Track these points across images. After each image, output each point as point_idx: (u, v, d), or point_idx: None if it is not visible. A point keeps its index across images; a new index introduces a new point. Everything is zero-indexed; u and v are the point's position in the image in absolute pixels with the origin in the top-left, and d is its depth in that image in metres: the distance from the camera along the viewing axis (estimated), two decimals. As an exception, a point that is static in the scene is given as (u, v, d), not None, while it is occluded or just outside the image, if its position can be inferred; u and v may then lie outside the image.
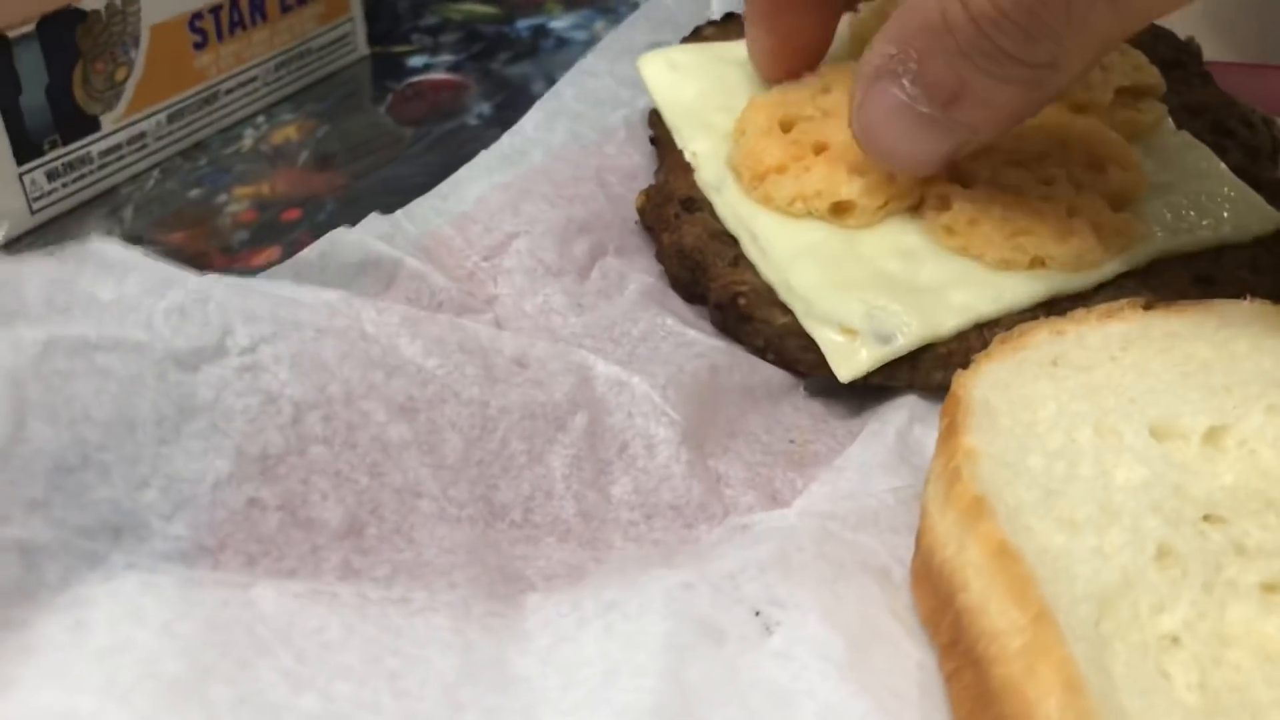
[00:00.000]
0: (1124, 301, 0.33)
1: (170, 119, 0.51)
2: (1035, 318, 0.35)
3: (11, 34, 0.44)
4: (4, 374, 0.26)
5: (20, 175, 0.46)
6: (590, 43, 0.60)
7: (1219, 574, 0.27)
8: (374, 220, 0.38)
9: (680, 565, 0.28)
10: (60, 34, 0.45)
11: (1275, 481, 0.29)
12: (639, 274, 0.39)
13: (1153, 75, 0.41)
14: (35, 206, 0.46)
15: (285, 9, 0.54)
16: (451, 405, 0.31)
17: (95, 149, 0.48)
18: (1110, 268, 0.36)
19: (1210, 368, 0.31)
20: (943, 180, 0.38)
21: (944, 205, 0.37)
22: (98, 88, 0.48)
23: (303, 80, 0.56)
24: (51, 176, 0.47)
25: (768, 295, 0.36)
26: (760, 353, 0.36)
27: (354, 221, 0.46)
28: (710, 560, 0.28)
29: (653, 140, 0.43)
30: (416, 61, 0.59)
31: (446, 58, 0.59)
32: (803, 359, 0.35)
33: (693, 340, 0.36)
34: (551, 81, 0.56)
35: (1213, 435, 0.30)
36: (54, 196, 0.47)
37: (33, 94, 0.45)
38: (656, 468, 0.32)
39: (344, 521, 0.28)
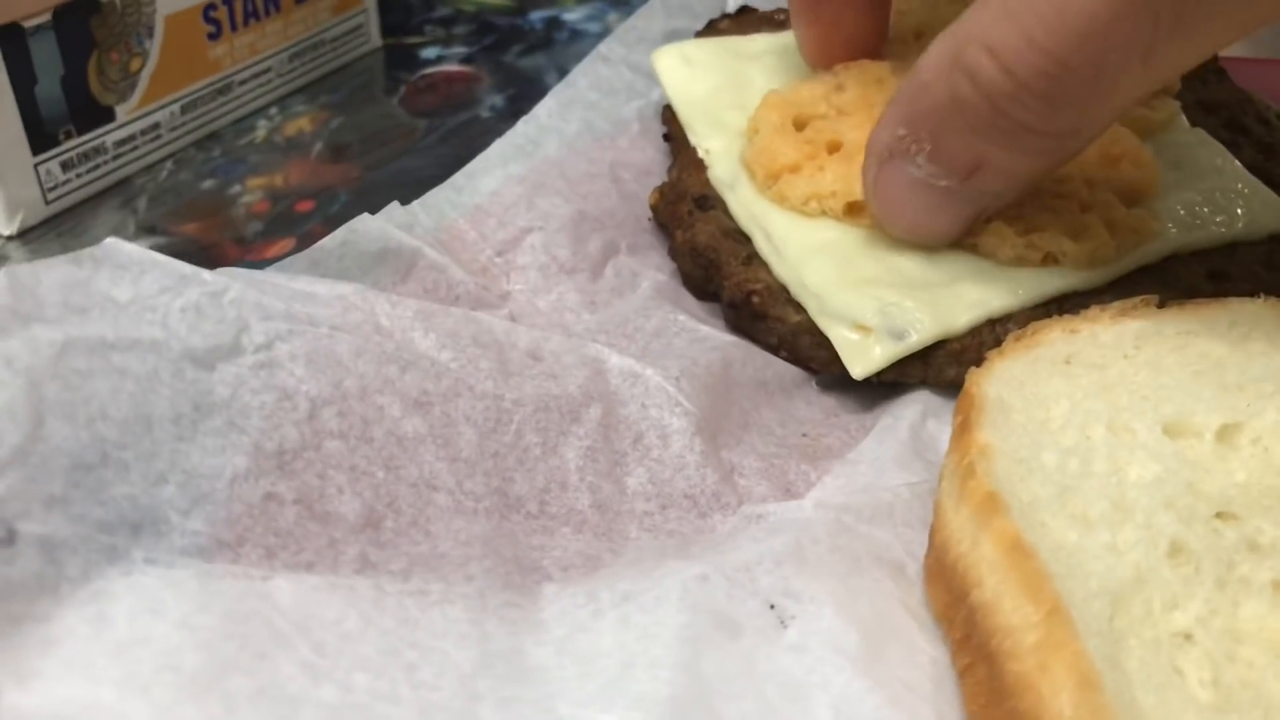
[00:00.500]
0: (1138, 299, 0.33)
1: (184, 109, 0.51)
2: (1049, 314, 0.35)
3: (27, 24, 0.44)
4: (23, 374, 0.26)
5: (35, 165, 0.46)
6: (603, 35, 0.60)
7: (1232, 571, 0.27)
8: (394, 209, 0.38)
9: (696, 556, 0.28)
10: (75, 24, 0.45)
11: (1288, 479, 0.29)
12: (652, 271, 0.39)
13: None
14: (50, 196, 0.47)
15: (299, 0, 0.54)
16: (466, 398, 0.31)
17: (110, 139, 0.48)
18: (1123, 264, 0.36)
19: (1224, 365, 0.32)
20: (956, 177, 0.38)
21: (957, 202, 0.37)
22: (112, 78, 0.48)
23: (316, 71, 0.56)
24: (66, 167, 0.47)
25: (781, 293, 0.36)
26: (774, 349, 0.36)
27: (367, 211, 0.47)
28: (725, 552, 0.28)
29: (666, 136, 0.43)
30: (429, 53, 0.59)
31: (459, 49, 0.59)
32: (816, 356, 0.36)
33: (706, 335, 0.36)
34: (564, 74, 0.56)
35: (1226, 433, 0.30)
36: (68, 187, 0.47)
37: (48, 84, 0.45)
38: (671, 458, 0.32)
39: (361, 515, 0.28)
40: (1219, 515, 0.28)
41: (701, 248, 0.38)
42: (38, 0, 0.44)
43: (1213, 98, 0.42)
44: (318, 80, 0.56)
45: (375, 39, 0.59)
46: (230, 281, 0.30)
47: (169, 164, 0.50)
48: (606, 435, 0.32)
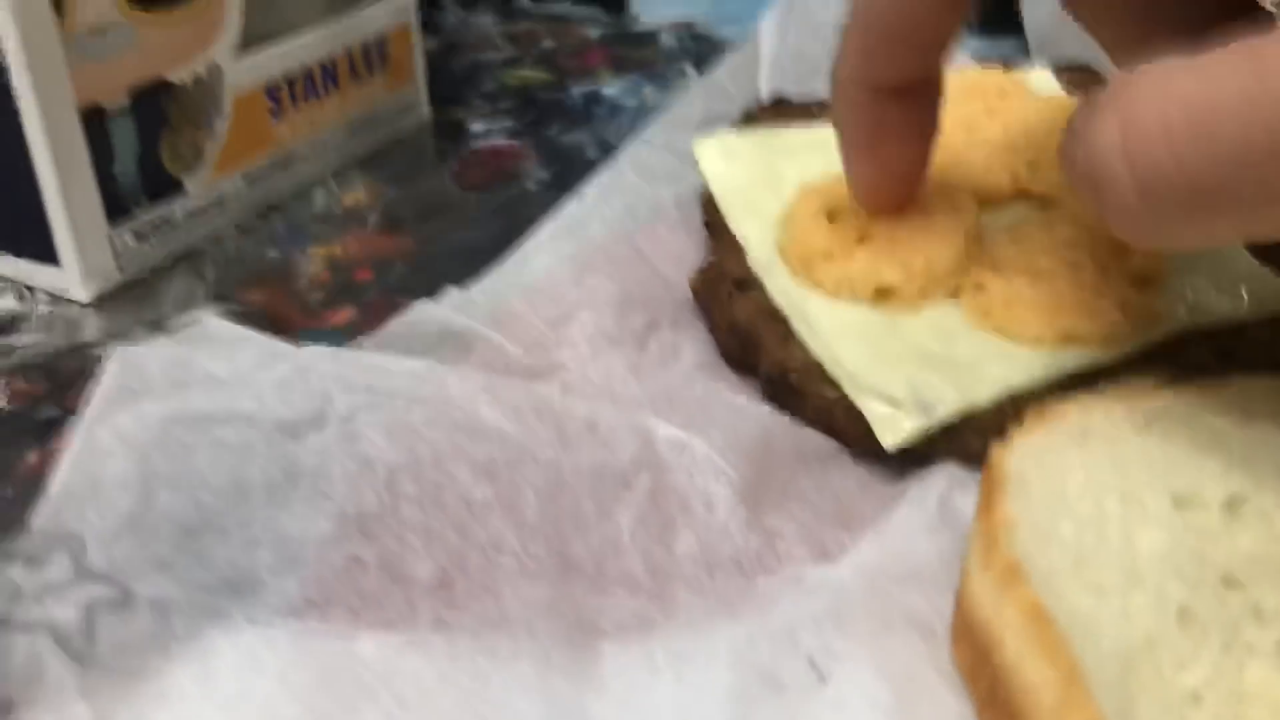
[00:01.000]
0: (1150, 379, 0.36)
1: (249, 182, 0.54)
2: (1066, 391, 0.37)
3: (108, 106, 0.47)
4: (134, 448, 0.29)
5: (110, 235, 0.49)
6: (640, 109, 0.63)
7: (1237, 636, 0.29)
8: (450, 294, 0.41)
9: (742, 618, 0.31)
10: (151, 105, 0.49)
11: (1290, 550, 0.32)
12: (693, 346, 0.42)
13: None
14: (123, 264, 0.50)
15: (355, 77, 0.58)
16: (529, 466, 0.33)
17: (179, 210, 0.51)
18: (1135, 343, 0.39)
19: (1230, 442, 0.34)
20: (979, 268, 0.40)
21: (980, 290, 0.40)
22: (183, 154, 0.51)
23: (370, 144, 0.60)
24: (139, 237, 0.50)
25: (816, 371, 0.39)
26: (810, 423, 0.39)
27: (423, 281, 0.49)
28: (769, 613, 0.31)
29: (706, 224, 0.46)
30: (477, 127, 0.62)
31: (505, 124, 0.62)
32: (850, 430, 0.38)
33: (745, 407, 0.39)
34: (604, 147, 0.59)
35: (1231, 504, 0.32)
36: (141, 256, 0.50)
37: (125, 161, 0.48)
38: (716, 523, 0.34)
39: (435, 576, 0.31)
40: (1225, 583, 0.31)
41: (741, 325, 0.41)
42: (117, 83, 0.47)
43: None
44: (372, 153, 0.59)
45: (425, 113, 0.62)
46: (316, 357, 0.33)
47: (234, 233, 0.53)
48: (656, 502, 0.34)
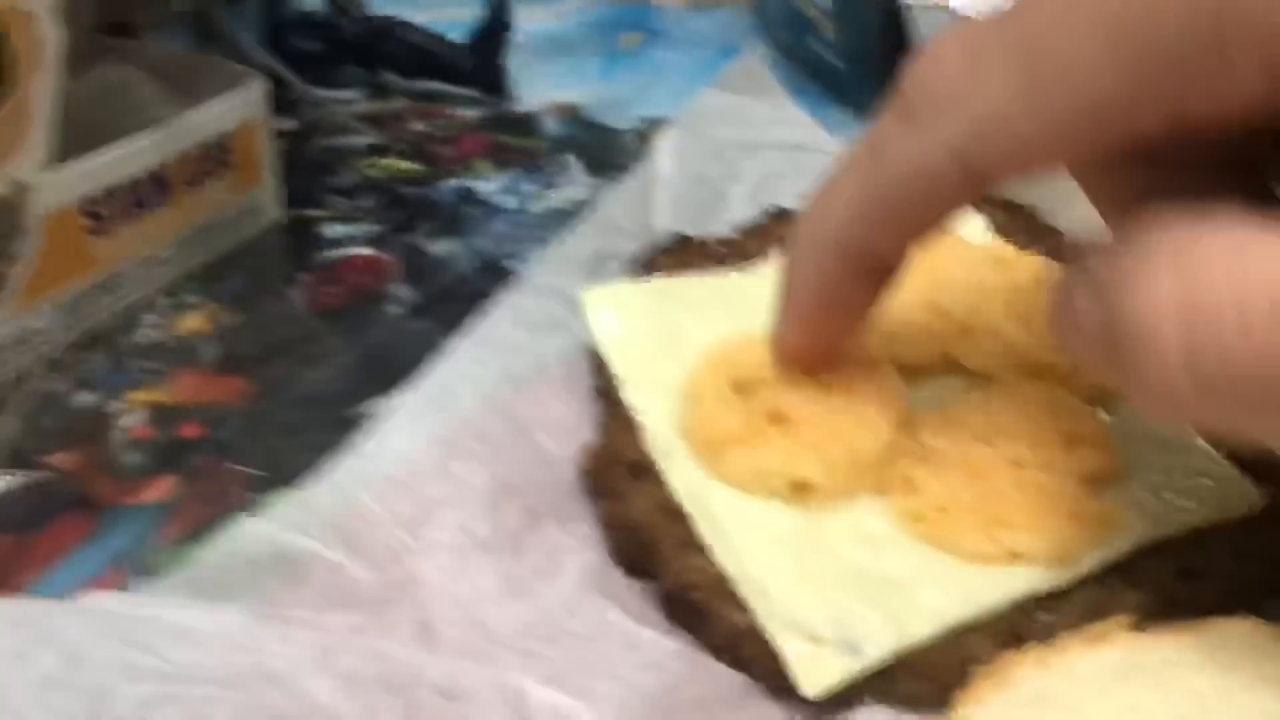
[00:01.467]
0: (1112, 621, 0.31)
1: (64, 310, 0.46)
2: (1011, 623, 0.32)
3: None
4: None
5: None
6: (519, 210, 0.57)
7: None
8: (283, 504, 0.34)
9: None
10: (-63, 233, 0.41)
11: None
12: (579, 547, 0.36)
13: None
14: (-96, 416, 0.42)
15: (191, 184, 0.50)
16: (370, 765, 0.27)
17: (-25, 349, 0.44)
18: (1089, 561, 0.33)
19: (1210, 709, 0.29)
20: (908, 459, 0.35)
21: (910, 487, 0.35)
22: (-21, 284, 0.43)
23: (210, 255, 0.52)
24: (-77, 381, 0.42)
25: (724, 588, 0.33)
26: (717, 653, 0.33)
27: (259, 443, 0.42)
28: None
29: (598, 390, 0.40)
30: (334, 232, 0.55)
31: (366, 228, 0.55)
32: (763, 665, 0.32)
33: (641, 641, 0.33)
34: (481, 262, 0.53)
35: (1217, 795, 0.27)
36: (-75, 407, 0.42)
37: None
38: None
39: None
40: None
41: (636, 525, 0.35)
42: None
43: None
44: (212, 264, 0.52)
45: (275, 214, 0.55)
46: (92, 635, 0.26)
47: (44, 371, 0.46)
48: (531, 794, 0.28)
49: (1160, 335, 0.24)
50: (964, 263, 0.40)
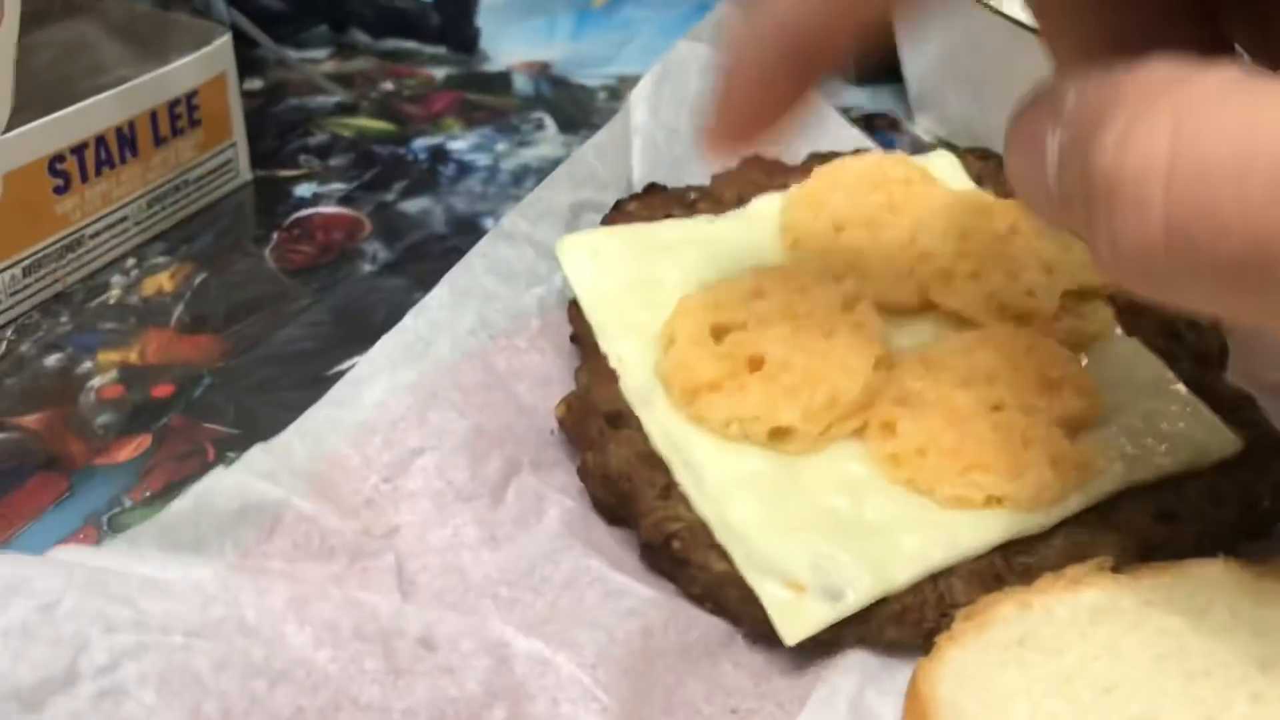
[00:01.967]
0: (1091, 564, 0.31)
1: (27, 271, 0.46)
2: (992, 564, 0.32)
3: None
4: None
5: None
6: (492, 168, 0.56)
7: None
8: (255, 454, 0.34)
9: None
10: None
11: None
12: (558, 495, 0.35)
13: (1099, 274, 0.38)
14: None
15: (160, 141, 0.50)
16: (348, 712, 0.27)
17: (-62, 310, 0.43)
18: (1068, 505, 0.33)
19: (1187, 648, 0.29)
20: (887, 402, 0.35)
21: (889, 431, 0.34)
22: (-60, 245, 0.42)
23: (178, 214, 0.51)
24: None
25: (703, 535, 0.33)
26: (698, 600, 0.33)
27: (232, 401, 0.42)
28: None
29: (573, 338, 0.39)
30: (304, 190, 0.54)
31: (337, 186, 0.55)
32: (744, 611, 0.32)
33: (622, 589, 0.32)
34: (454, 219, 0.52)
35: (1196, 730, 0.27)
36: (-111, 370, 0.42)
37: None
38: (587, 762, 0.28)
39: None
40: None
41: (614, 474, 0.35)
42: None
43: (1144, 300, 0.39)
44: (181, 223, 0.51)
45: (244, 173, 0.54)
46: (66, 585, 0.25)
47: (9, 333, 0.45)
48: (513, 740, 0.28)
49: (1145, 193, 0.22)
50: (945, 209, 0.40)
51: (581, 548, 0.34)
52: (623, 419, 0.36)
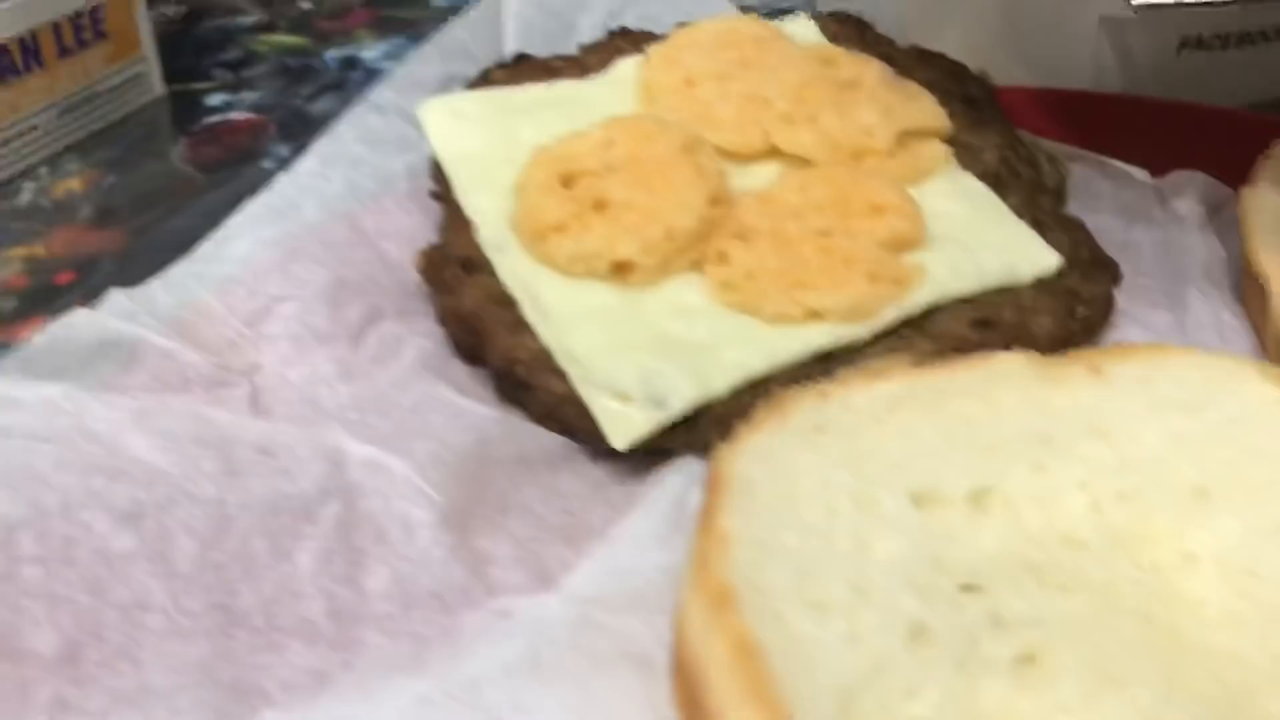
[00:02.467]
0: (892, 359, 0.33)
1: (-63, 178, 0.48)
2: (812, 374, 0.34)
3: None
4: None
5: None
6: (400, 73, 0.58)
7: (973, 649, 0.26)
8: (116, 298, 0.36)
9: (426, 669, 0.27)
10: None
11: (1037, 544, 0.29)
12: (418, 338, 0.37)
13: (937, 117, 0.40)
14: None
15: (64, 53, 0.52)
16: (184, 506, 0.29)
17: None
18: (886, 316, 0.35)
19: (976, 426, 0.31)
20: (724, 235, 0.37)
21: (724, 261, 0.36)
22: None
23: (91, 126, 0.53)
24: None
25: (546, 361, 0.35)
26: (542, 421, 0.35)
27: (131, 281, 0.44)
28: (457, 662, 0.27)
29: (435, 195, 0.41)
30: (216, 100, 0.56)
31: (250, 95, 0.57)
32: (581, 426, 0.34)
33: (465, 411, 0.34)
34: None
35: (977, 498, 0.29)
36: None
37: None
38: (416, 553, 0.30)
39: (59, 649, 0.26)
40: (964, 588, 0.28)
41: (468, 314, 0.37)
42: None
43: (984, 140, 0.41)
44: (95, 135, 0.53)
45: (158, 88, 0.56)
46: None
47: (-79, 236, 0.47)
48: (345, 534, 0.30)
49: None
50: (791, 59, 0.42)
51: (433, 379, 0.36)
52: (477, 265, 0.38)
